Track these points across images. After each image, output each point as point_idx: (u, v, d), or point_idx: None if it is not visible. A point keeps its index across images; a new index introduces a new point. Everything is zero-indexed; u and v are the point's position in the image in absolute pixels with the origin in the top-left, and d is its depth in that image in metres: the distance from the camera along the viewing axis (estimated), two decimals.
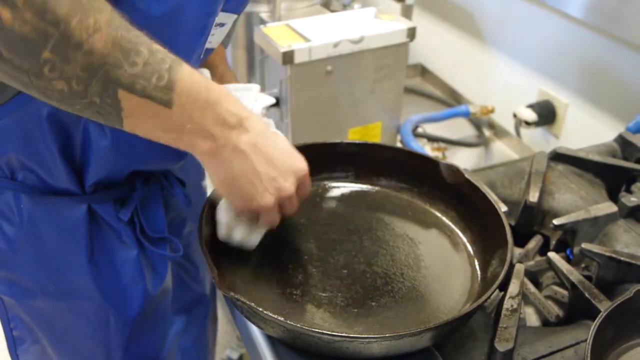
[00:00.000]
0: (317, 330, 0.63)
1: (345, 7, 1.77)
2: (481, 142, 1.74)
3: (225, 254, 0.80)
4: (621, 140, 1.08)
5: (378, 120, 1.57)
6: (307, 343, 0.66)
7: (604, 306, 0.68)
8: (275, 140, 0.72)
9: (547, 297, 0.85)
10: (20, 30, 0.51)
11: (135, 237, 0.89)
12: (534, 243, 0.92)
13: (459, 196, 0.87)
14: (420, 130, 1.69)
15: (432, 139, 1.68)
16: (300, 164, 0.74)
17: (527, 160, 1.02)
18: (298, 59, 1.37)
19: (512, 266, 0.81)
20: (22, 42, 0.52)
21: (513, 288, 0.75)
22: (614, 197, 0.95)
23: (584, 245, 0.80)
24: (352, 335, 0.63)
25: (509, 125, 1.71)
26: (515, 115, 1.63)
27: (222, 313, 2.01)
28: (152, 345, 0.98)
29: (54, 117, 0.74)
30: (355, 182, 0.95)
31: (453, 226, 0.88)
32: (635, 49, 1.35)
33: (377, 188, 0.94)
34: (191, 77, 0.62)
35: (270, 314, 0.64)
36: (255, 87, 0.91)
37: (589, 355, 0.60)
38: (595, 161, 0.99)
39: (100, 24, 0.55)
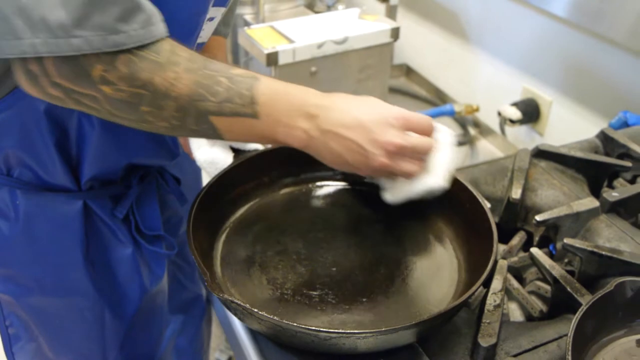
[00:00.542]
0: (313, 327, 0.63)
1: (329, 8, 1.78)
2: (466, 140, 1.75)
3: (215, 257, 0.81)
4: (603, 136, 1.09)
5: None
6: (303, 341, 0.66)
7: (586, 300, 0.68)
8: (359, 105, 0.73)
9: (531, 292, 0.85)
10: (120, 97, 0.63)
11: (130, 234, 0.90)
12: (517, 239, 0.93)
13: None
14: None
15: None
16: (391, 112, 0.73)
17: (510, 158, 1.02)
18: (282, 60, 1.38)
19: (495, 262, 0.81)
20: (124, 104, 0.65)
21: (496, 284, 0.76)
22: (596, 192, 0.96)
23: (566, 241, 0.80)
24: (349, 331, 0.64)
25: (493, 123, 1.72)
26: (499, 114, 1.64)
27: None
28: (148, 343, 0.99)
29: (51, 112, 0.75)
30: (341, 181, 0.95)
31: (437, 220, 0.88)
32: (617, 46, 1.36)
33: (362, 187, 0.94)
34: (270, 88, 0.69)
35: (266, 314, 0.64)
36: None
37: (570, 348, 0.61)
38: (577, 157, 1.00)
39: (178, 73, 0.65)
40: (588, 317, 0.65)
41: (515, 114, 1.61)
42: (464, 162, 1.69)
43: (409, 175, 0.76)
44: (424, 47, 2.07)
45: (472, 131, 1.80)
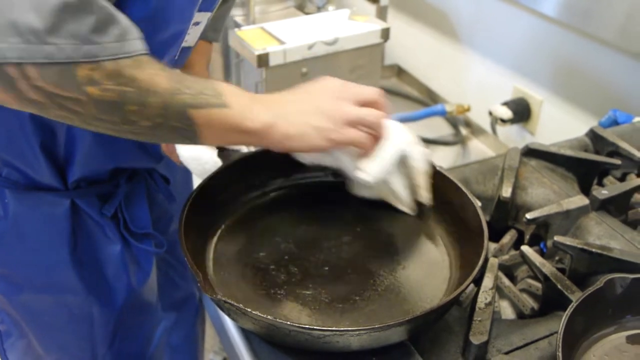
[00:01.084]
0: (307, 326, 0.64)
1: (319, 9, 1.78)
2: (458, 140, 1.75)
3: (207, 258, 0.81)
4: (592, 134, 1.10)
5: None
6: (296, 340, 0.67)
7: (576, 297, 0.68)
8: (312, 87, 0.80)
9: (522, 290, 0.86)
10: (106, 97, 0.62)
11: (119, 232, 0.90)
12: (508, 238, 0.93)
13: (432, 189, 0.88)
14: None
15: None
16: (341, 88, 0.80)
17: (501, 157, 1.03)
18: (273, 61, 1.38)
19: (486, 260, 0.82)
20: (109, 105, 0.63)
21: (487, 282, 0.76)
22: (586, 190, 0.97)
23: (557, 238, 0.81)
24: (342, 329, 0.64)
25: (485, 123, 1.72)
26: (490, 113, 1.65)
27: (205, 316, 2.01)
28: (138, 341, 0.99)
29: (37, 117, 0.75)
30: (331, 180, 0.95)
31: (429, 219, 0.89)
32: (607, 46, 1.37)
33: None
34: (229, 85, 0.72)
35: (259, 314, 0.64)
36: None
37: (560, 345, 0.61)
38: (567, 156, 1.00)
39: (156, 70, 0.65)
40: (578, 314, 0.66)
41: (507, 113, 1.61)
42: (455, 161, 1.70)
43: (359, 144, 0.78)
44: (415, 47, 2.08)
45: (464, 131, 1.80)
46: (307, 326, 0.64)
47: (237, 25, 1.64)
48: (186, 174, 1.18)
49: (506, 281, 0.85)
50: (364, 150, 0.80)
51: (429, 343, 0.72)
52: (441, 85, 1.95)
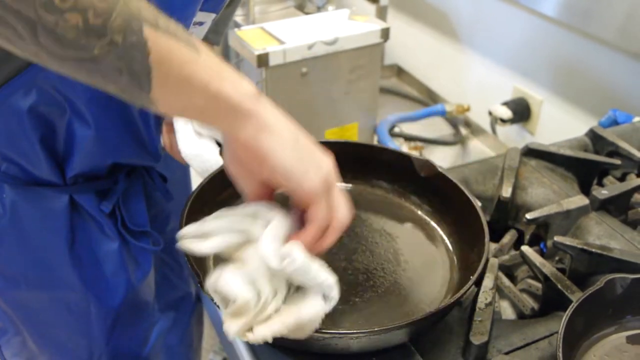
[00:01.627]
0: None
1: (319, 9, 1.78)
2: (458, 140, 1.75)
3: (207, 257, 0.81)
4: (592, 134, 1.09)
5: (354, 121, 1.58)
6: (295, 342, 0.66)
7: (577, 297, 0.68)
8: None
9: (522, 290, 0.86)
10: None
11: (116, 229, 0.90)
12: (508, 238, 0.93)
13: (432, 189, 0.88)
14: (397, 129, 1.70)
15: (409, 138, 1.69)
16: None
17: (501, 157, 1.03)
18: (273, 61, 1.38)
19: (486, 261, 0.82)
20: None
21: (487, 282, 0.76)
22: (586, 190, 0.97)
23: (557, 238, 0.81)
24: (342, 331, 0.64)
25: (484, 123, 1.72)
26: (490, 113, 1.65)
27: (204, 317, 2.01)
28: (135, 339, 0.99)
29: (36, 111, 0.74)
30: None
31: (428, 219, 0.88)
32: (607, 46, 1.37)
33: (351, 185, 0.94)
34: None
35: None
36: None
37: (560, 345, 0.61)
38: (566, 155, 1.00)
39: None
40: (578, 314, 0.66)
41: (506, 113, 1.62)
42: (455, 161, 1.70)
43: (318, 221, 0.63)
44: (414, 47, 2.08)
45: (464, 131, 1.80)
46: None
47: (237, 25, 1.64)
48: (184, 172, 1.18)
49: (506, 281, 0.85)
50: (309, 232, 0.63)
51: (429, 343, 0.72)
52: (441, 85, 1.96)
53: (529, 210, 0.90)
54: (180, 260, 1.11)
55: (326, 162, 0.62)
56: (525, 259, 0.83)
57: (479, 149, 1.74)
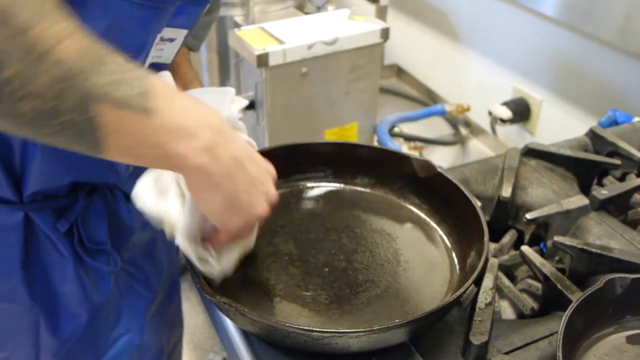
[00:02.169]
0: (306, 327, 0.64)
1: (319, 9, 1.78)
2: (457, 140, 1.75)
3: None
4: (592, 134, 1.10)
5: (354, 121, 1.58)
6: (296, 342, 0.66)
7: (576, 297, 0.68)
8: (245, 145, 0.67)
9: (522, 290, 0.86)
10: None
11: (72, 248, 0.88)
12: (508, 237, 0.93)
13: (431, 190, 0.88)
14: (397, 129, 1.70)
15: (408, 138, 1.69)
16: (269, 165, 0.72)
17: (501, 157, 1.03)
18: (273, 61, 1.38)
19: (486, 260, 0.82)
20: None
21: (487, 282, 0.76)
22: (586, 190, 0.97)
23: (557, 238, 0.81)
24: (342, 330, 0.64)
25: (484, 123, 1.72)
26: (490, 113, 1.65)
27: (204, 318, 2.01)
28: (90, 355, 0.98)
29: None
30: (330, 182, 0.95)
31: (428, 219, 0.89)
32: (607, 46, 1.37)
33: (351, 186, 0.94)
34: (164, 85, 0.58)
35: (258, 316, 0.64)
36: (230, 90, 0.91)
37: (560, 345, 0.61)
38: (566, 155, 1.00)
39: (66, 31, 0.50)
40: (578, 314, 0.66)
41: (506, 113, 1.62)
42: (455, 161, 1.70)
43: (250, 242, 0.75)
44: (414, 47, 2.08)
45: (463, 131, 1.80)
46: (306, 328, 0.64)
47: (237, 25, 1.64)
48: None
49: (506, 281, 0.85)
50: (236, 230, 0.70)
51: (429, 343, 0.72)
52: (441, 85, 1.96)
53: (528, 210, 0.90)
54: (147, 270, 1.10)
55: (267, 174, 0.69)
56: (525, 259, 0.83)
57: (478, 149, 1.74)
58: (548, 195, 0.94)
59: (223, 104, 0.88)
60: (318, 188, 0.95)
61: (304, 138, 1.35)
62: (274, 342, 0.72)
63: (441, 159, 1.67)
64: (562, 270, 0.82)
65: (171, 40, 0.82)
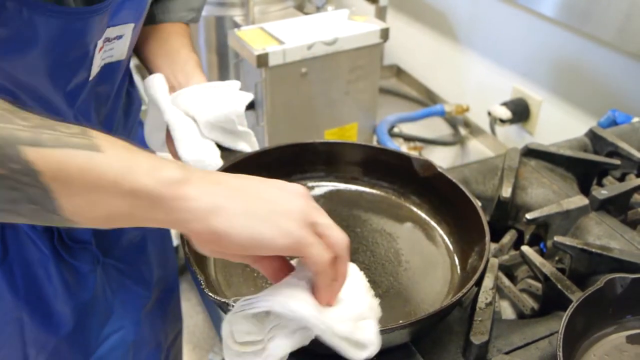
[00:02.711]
0: None
1: (318, 9, 1.78)
2: (457, 140, 1.75)
3: (208, 260, 0.81)
4: (592, 134, 1.10)
5: (354, 121, 1.58)
6: None
7: (577, 297, 0.69)
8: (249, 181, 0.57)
9: (522, 290, 0.86)
10: None
11: (52, 245, 0.88)
12: (508, 238, 0.93)
13: (432, 189, 0.88)
14: (396, 130, 1.70)
15: (408, 138, 1.69)
16: (295, 186, 0.59)
17: (501, 157, 1.03)
18: (272, 61, 1.38)
19: (487, 261, 0.82)
20: None
21: (487, 282, 0.76)
22: (585, 190, 0.97)
23: (557, 238, 0.81)
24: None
25: (484, 123, 1.73)
26: (490, 114, 1.65)
27: (203, 317, 2.01)
28: (79, 352, 0.97)
29: None
30: (330, 181, 0.95)
31: (429, 219, 0.89)
32: (606, 46, 1.37)
33: (351, 186, 0.94)
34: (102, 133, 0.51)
35: None
36: (235, 83, 0.90)
37: (561, 345, 0.61)
38: (566, 156, 1.00)
39: None
40: (578, 314, 0.66)
41: (506, 113, 1.62)
42: (454, 161, 1.70)
43: (319, 260, 0.55)
44: (414, 47, 2.08)
45: (463, 131, 1.80)
46: None
47: (237, 26, 1.64)
48: None
49: (506, 281, 0.85)
50: (318, 281, 0.56)
51: (430, 343, 0.72)
52: (440, 86, 1.96)
53: (528, 210, 0.90)
54: (140, 267, 1.09)
55: (294, 198, 0.55)
56: (525, 259, 0.83)
57: (478, 149, 1.74)
58: (548, 196, 0.94)
59: (228, 97, 0.88)
60: (318, 188, 0.95)
61: (304, 138, 1.34)
62: None
63: (440, 159, 1.68)
64: (562, 270, 0.82)
65: (119, 37, 0.80)
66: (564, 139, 1.10)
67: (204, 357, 1.92)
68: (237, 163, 0.88)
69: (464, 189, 0.83)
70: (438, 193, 0.87)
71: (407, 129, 1.73)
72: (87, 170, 0.47)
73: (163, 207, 0.48)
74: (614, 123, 1.23)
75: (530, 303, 0.83)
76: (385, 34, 1.49)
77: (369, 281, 0.77)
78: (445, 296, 0.76)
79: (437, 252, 0.84)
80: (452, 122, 1.81)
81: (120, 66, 0.86)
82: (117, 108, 0.94)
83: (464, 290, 0.68)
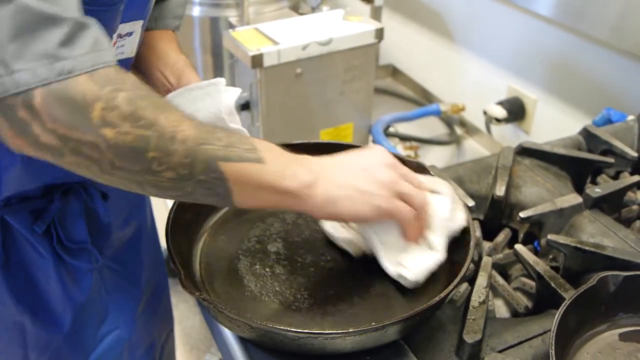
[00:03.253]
0: (281, 327, 0.63)
1: (313, 9, 1.78)
2: (453, 139, 1.75)
3: (193, 256, 0.81)
4: (586, 133, 1.10)
5: (349, 121, 1.58)
6: (273, 341, 0.66)
7: (570, 295, 0.69)
8: (355, 156, 0.75)
9: (516, 288, 0.86)
10: (124, 141, 0.59)
11: (51, 248, 0.89)
12: (502, 236, 0.93)
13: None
14: (392, 129, 1.70)
15: (404, 138, 1.69)
16: (385, 157, 0.74)
17: (495, 156, 1.03)
18: (267, 62, 1.38)
19: (480, 259, 0.82)
20: (129, 150, 0.59)
21: (481, 281, 0.76)
22: (579, 189, 0.97)
23: (550, 237, 0.81)
24: (315, 331, 0.64)
25: (479, 122, 1.73)
26: (485, 113, 1.65)
27: (200, 319, 2.01)
28: (79, 351, 0.98)
29: None
30: None
31: None
32: (601, 45, 1.37)
33: None
34: (263, 140, 0.69)
35: (235, 314, 0.64)
36: (220, 80, 0.90)
37: (553, 343, 0.61)
38: (560, 154, 1.01)
39: (179, 117, 0.63)
40: (571, 312, 0.66)
41: (501, 112, 1.62)
42: (450, 161, 1.70)
43: (403, 219, 0.72)
44: (409, 47, 2.08)
45: (459, 130, 1.80)
46: (280, 327, 0.63)
47: (231, 26, 1.64)
48: None
49: (500, 280, 0.85)
50: (405, 230, 0.74)
51: (423, 342, 0.72)
52: (436, 85, 1.96)
53: (522, 208, 0.90)
54: (133, 267, 1.10)
55: (383, 170, 0.72)
56: (519, 258, 0.83)
57: (474, 148, 1.74)
58: (542, 194, 0.94)
59: (215, 95, 0.88)
60: None
61: (299, 138, 1.34)
62: (254, 342, 0.72)
63: (436, 158, 1.67)
64: (555, 269, 0.82)
65: (129, 34, 0.83)
66: (559, 137, 1.10)
67: (201, 358, 1.92)
68: None
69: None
70: None
71: (403, 128, 1.73)
72: (257, 178, 0.65)
73: (299, 201, 0.68)
74: (609, 121, 1.23)
75: (524, 301, 0.83)
76: (380, 34, 1.49)
77: (353, 284, 0.77)
78: (436, 293, 0.76)
79: None
80: (448, 121, 1.81)
81: (129, 64, 0.88)
82: None
83: (450, 288, 0.68)
